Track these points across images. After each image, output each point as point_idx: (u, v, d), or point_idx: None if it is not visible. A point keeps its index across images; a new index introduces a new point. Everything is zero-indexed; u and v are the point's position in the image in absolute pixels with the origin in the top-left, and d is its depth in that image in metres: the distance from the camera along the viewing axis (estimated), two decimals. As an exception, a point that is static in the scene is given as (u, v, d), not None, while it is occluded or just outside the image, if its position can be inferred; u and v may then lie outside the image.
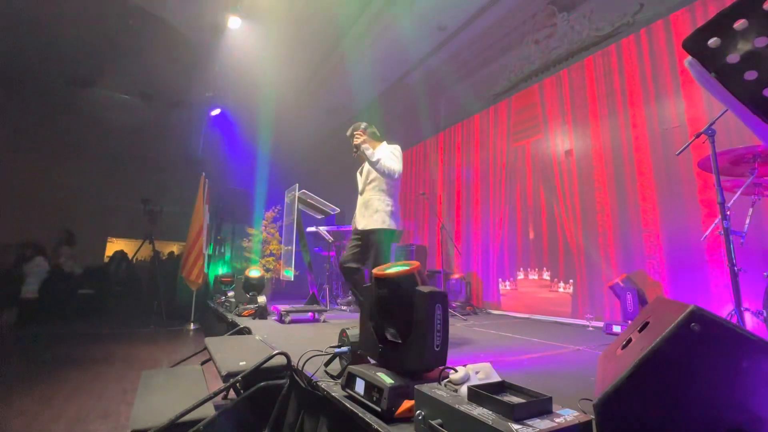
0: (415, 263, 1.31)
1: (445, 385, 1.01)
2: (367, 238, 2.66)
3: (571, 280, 4.16)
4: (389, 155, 2.66)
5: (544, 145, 4.74)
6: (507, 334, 3.03)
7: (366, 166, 2.78)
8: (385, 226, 2.58)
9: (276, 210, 6.27)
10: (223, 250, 8.00)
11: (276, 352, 1.64)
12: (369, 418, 1.08)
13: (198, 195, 5.80)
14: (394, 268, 1.30)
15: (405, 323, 1.21)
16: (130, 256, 8.52)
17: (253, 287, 3.87)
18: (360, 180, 2.86)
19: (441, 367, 1.15)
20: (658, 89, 3.61)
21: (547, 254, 4.50)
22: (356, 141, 2.68)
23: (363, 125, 2.81)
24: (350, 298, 4.69)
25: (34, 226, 8.14)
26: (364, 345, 1.41)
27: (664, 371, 0.77)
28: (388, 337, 1.26)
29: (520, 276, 4.80)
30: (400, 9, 5.55)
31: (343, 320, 3.63)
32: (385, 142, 2.85)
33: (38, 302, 5.74)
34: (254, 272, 4.01)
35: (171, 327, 5.52)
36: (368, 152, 2.61)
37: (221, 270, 7.28)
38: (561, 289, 4.25)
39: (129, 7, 5.39)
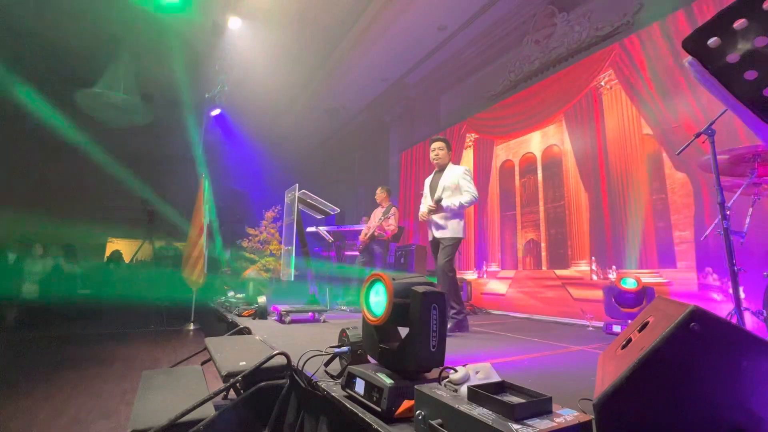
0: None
1: (445, 385, 1.01)
2: (440, 243, 3.03)
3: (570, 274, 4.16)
4: (463, 183, 2.98)
5: (542, 144, 4.74)
6: (507, 334, 3.03)
7: (439, 182, 3.06)
8: (458, 236, 2.99)
9: (276, 210, 6.26)
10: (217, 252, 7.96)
11: (276, 352, 1.64)
12: (369, 418, 1.08)
13: (198, 195, 5.80)
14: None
15: (402, 323, 1.20)
16: (130, 256, 8.50)
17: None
18: (432, 193, 3.12)
19: (441, 367, 1.14)
20: (658, 88, 3.61)
21: (547, 253, 4.50)
22: (432, 207, 2.98)
23: (443, 144, 3.10)
24: (350, 298, 4.70)
25: (34, 226, 8.15)
26: (365, 345, 1.41)
27: (664, 371, 0.77)
28: (388, 337, 1.25)
29: (514, 274, 4.80)
30: (400, 9, 5.55)
31: (343, 320, 3.62)
32: (450, 163, 3.12)
33: (38, 302, 5.74)
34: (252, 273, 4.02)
35: (171, 327, 5.51)
36: (454, 204, 2.92)
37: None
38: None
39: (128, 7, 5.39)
